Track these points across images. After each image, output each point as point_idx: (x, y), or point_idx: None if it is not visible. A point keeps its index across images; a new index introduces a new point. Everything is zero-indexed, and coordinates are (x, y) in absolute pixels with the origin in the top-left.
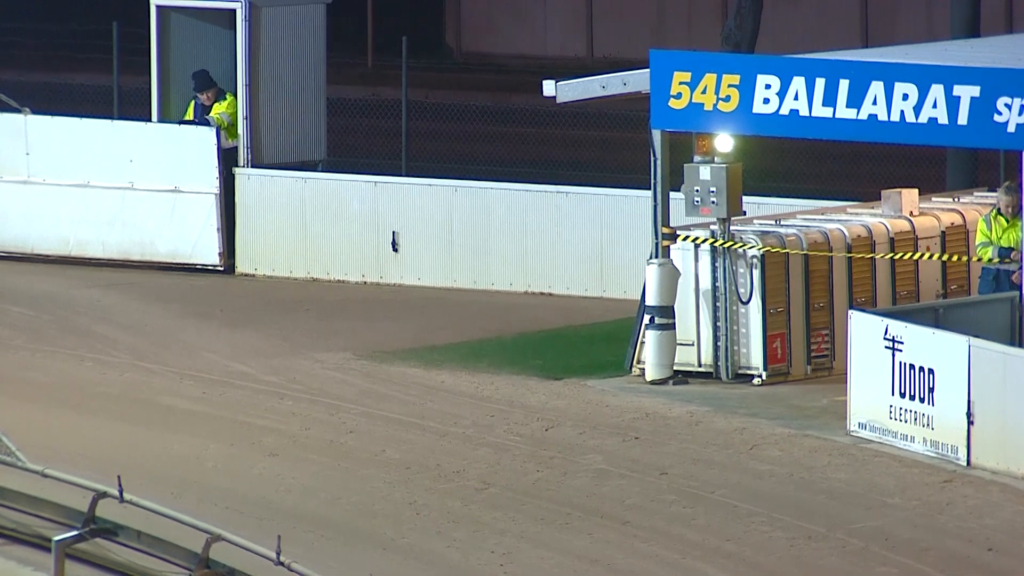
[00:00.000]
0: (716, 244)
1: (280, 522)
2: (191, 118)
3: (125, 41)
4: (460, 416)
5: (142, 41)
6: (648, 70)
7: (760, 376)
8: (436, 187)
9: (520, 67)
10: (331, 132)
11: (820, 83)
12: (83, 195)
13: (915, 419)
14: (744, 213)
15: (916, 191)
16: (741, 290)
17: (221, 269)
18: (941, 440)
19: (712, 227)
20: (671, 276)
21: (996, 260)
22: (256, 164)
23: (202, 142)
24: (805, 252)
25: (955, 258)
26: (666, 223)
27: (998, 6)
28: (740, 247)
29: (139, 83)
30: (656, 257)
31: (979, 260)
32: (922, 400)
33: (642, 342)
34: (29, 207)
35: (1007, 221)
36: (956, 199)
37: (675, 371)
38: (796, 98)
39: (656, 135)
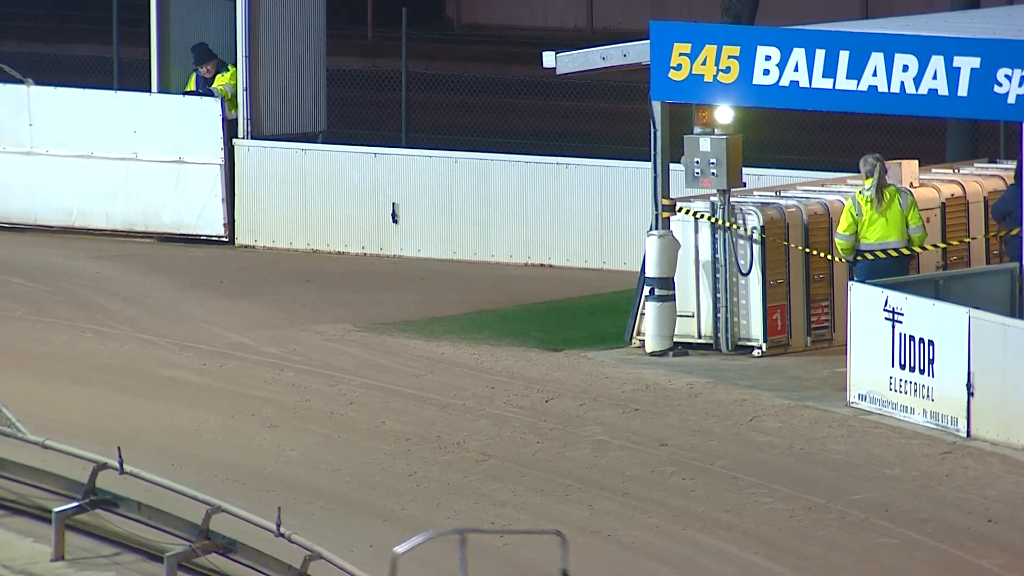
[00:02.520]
0: (713, 220)
1: (280, 493)
2: (193, 90)
3: (123, 12)
4: (460, 388)
5: (141, 12)
6: (648, 41)
7: (760, 348)
8: (436, 158)
9: (520, 38)
10: (331, 103)
11: (820, 54)
12: (86, 166)
13: (915, 390)
14: (744, 185)
15: (916, 162)
16: (741, 262)
17: (226, 240)
18: (941, 411)
19: (712, 198)
20: (671, 248)
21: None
22: (256, 136)
23: (206, 113)
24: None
25: (955, 243)
26: (666, 195)
27: None
28: (735, 226)
29: (138, 55)
30: (656, 229)
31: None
32: (922, 372)
33: (642, 314)
34: (32, 178)
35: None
36: (956, 170)
37: (675, 343)
38: (796, 69)
39: (656, 106)
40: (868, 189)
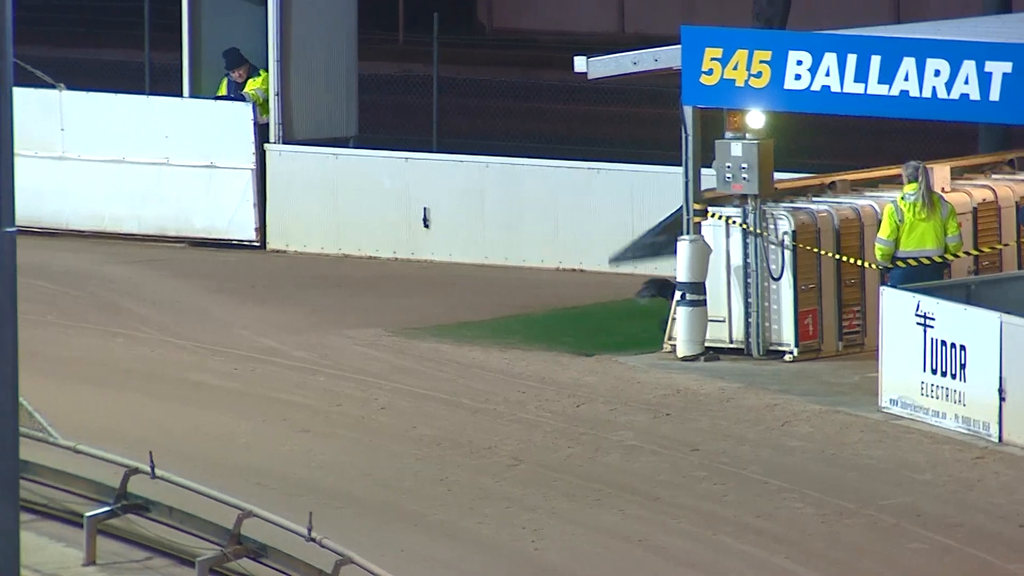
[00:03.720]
0: (744, 226)
1: (311, 498)
2: (224, 94)
3: (155, 17)
4: (491, 392)
5: (172, 17)
6: (679, 46)
7: (791, 352)
8: (467, 163)
9: (551, 43)
10: (362, 108)
11: (852, 59)
12: (118, 171)
13: (946, 395)
14: (775, 190)
15: (948, 167)
16: (772, 266)
17: (258, 244)
18: (972, 416)
19: (738, 202)
20: (702, 252)
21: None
22: (287, 140)
23: (238, 117)
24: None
25: (986, 249)
26: (697, 199)
27: None
28: (762, 232)
29: (169, 59)
30: (687, 233)
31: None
32: (953, 376)
33: (673, 318)
34: (64, 183)
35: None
36: (987, 175)
37: (706, 347)
38: (827, 74)
39: (687, 111)
40: (911, 195)
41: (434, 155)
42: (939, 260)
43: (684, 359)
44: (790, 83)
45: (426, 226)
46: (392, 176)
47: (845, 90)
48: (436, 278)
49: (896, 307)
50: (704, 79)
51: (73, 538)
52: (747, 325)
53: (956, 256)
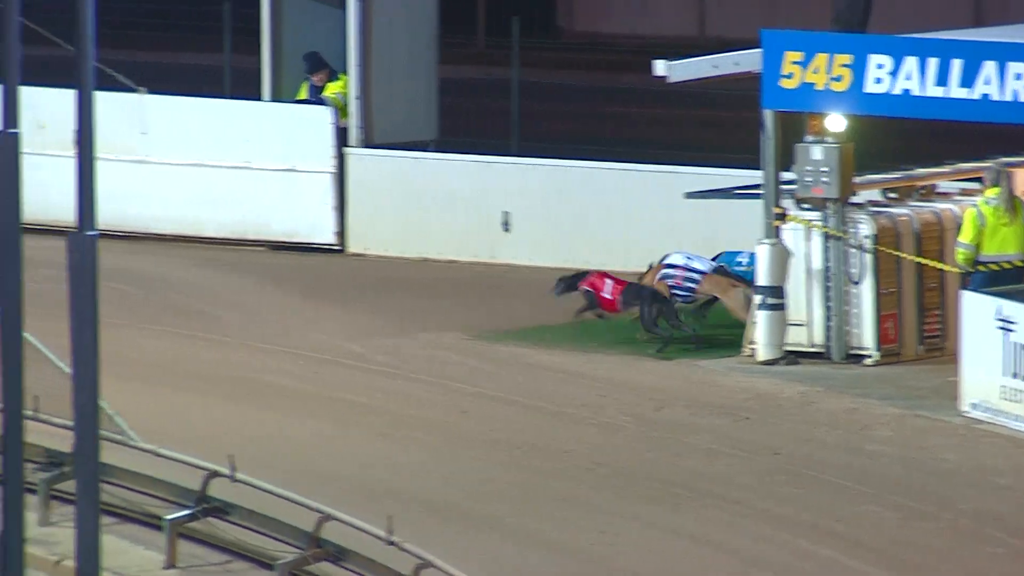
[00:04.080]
0: (824, 230)
1: (390, 502)
2: (304, 98)
3: (235, 21)
4: (570, 396)
5: (251, 21)
6: (760, 50)
7: (872, 356)
8: (548, 167)
9: (631, 47)
10: (442, 112)
11: (933, 63)
12: (198, 174)
13: None
14: (855, 193)
15: None
16: (853, 271)
17: (338, 248)
18: None
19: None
20: (782, 256)
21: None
22: (368, 144)
23: (318, 121)
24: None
25: None
26: (777, 203)
27: None
28: (842, 235)
29: (249, 63)
30: (767, 237)
31: None
32: None
33: (753, 322)
34: (145, 187)
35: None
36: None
37: (786, 351)
38: (908, 78)
39: (767, 115)
40: (993, 199)
41: (514, 159)
42: (1021, 264)
43: (764, 363)
44: (871, 87)
45: (506, 230)
46: (472, 179)
47: (926, 94)
48: (516, 282)
49: (977, 311)
50: (784, 83)
51: (152, 541)
52: (827, 329)
53: None
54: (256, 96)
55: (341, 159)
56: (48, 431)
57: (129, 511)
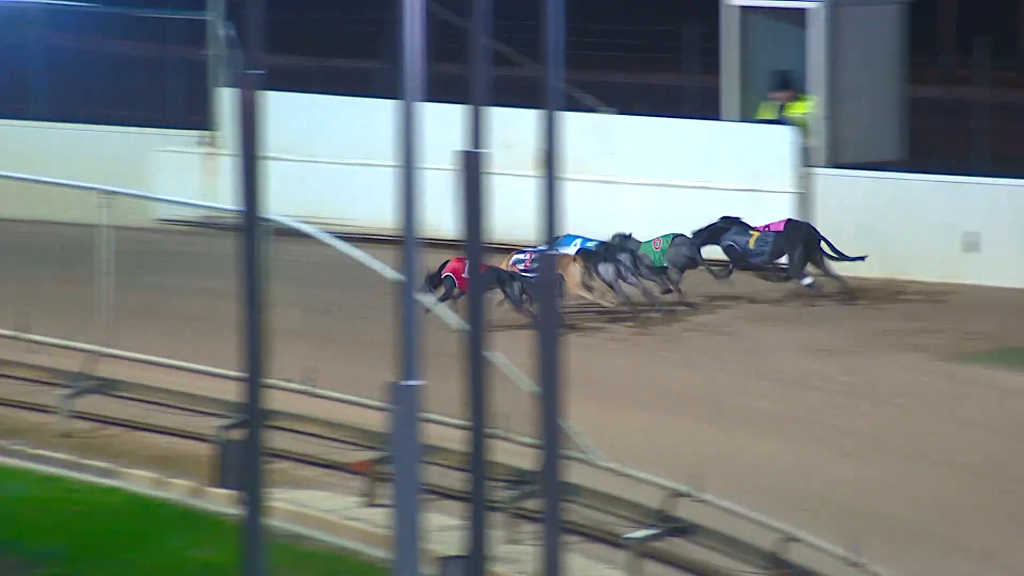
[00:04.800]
0: None
1: (855, 524)
2: (766, 117)
3: (694, 41)
4: None
5: (710, 41)
6: None
7: None
8: (1018, 187)
9: None
10: (909, 132)
11: None
12: (660, 194)
13: None
14: None
15: None
16: None
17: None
18: None
19: None
20: None
21: None
22: (834, 164)
23: (781, 141)
24: None
25: None
26: None
27: None
28: None
29: (705, 83)
30: None
31: None
32: None
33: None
34: (607, 207)
35: None
36: None
37: None
38: None
39: None
40: None
41: (983, 179)
42: None
43: None
44: None
45: (971, 250)
46: (939, 199)
47: None
48: (983, 304)
49: None
50: None
51: (613, 559)
52: None
53: None
54: (715, 115)
55: (804, 179)
56: (517, 451)
57: (592, 530)
